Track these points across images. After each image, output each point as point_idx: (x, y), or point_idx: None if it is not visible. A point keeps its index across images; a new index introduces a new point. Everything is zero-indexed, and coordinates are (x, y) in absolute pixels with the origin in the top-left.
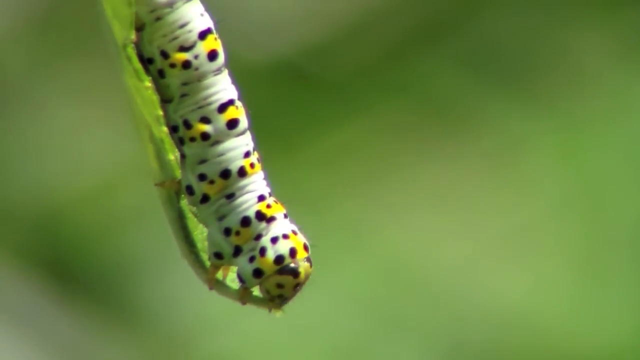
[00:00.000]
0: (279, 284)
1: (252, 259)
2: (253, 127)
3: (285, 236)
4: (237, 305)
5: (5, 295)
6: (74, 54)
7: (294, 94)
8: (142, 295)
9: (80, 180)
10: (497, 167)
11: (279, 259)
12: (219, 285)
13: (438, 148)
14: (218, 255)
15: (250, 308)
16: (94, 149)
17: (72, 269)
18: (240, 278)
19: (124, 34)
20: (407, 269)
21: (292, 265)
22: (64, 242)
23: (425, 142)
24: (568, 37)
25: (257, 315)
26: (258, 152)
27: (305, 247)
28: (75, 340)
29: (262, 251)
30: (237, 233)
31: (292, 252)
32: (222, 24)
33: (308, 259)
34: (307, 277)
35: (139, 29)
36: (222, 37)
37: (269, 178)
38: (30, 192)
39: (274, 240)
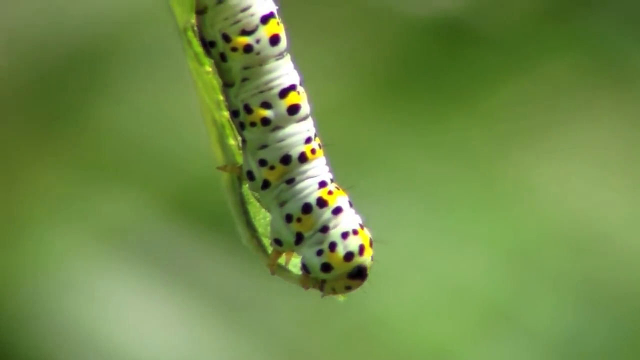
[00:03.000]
0: (347, 286)
1: (320, 252)
2: (413, 82)
3: (355, 232)
4: (382, 264)
5: (150, 239)
6: None
7: (457, 50)
8: None
9: None
10: None
11: (349, 256)
12: (281, 270)
13: (601, 105)
14: (278, 242)
15: (398, 267)
16: None
17: (228, 226)
18: (305, 268)
19: (185, 18)
20: (566, 222)
21: (362, 266)
22: (219, 202)
23: (588, 98)
24: None
25: (400, 273)
26: (320, 138)
27: (371, 243)
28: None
29: (332, 246)
30: (299, 220)
31: (361, 250)
32: None
33: (372, 257)
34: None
35: (201, 12)
36: None
37: (439, 134)
38: (185, 154)
39: (345, 235)
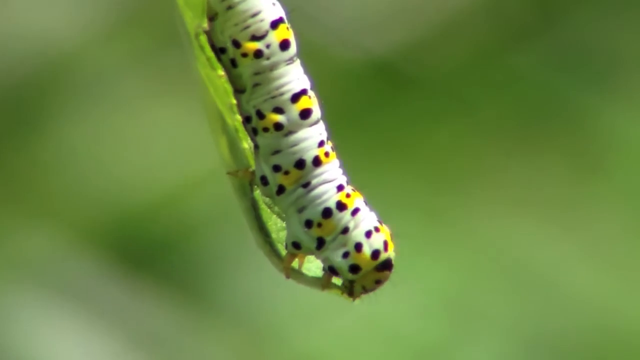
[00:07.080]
0: (377, 280)
1: (346, 255)
2: (346, 126)
3: (376, 229)
4: (317, 304)
5: (84, 286)
6: (159, 54)
7: (391, 93)
8: (221, 291)
9: (162, 180)
10: (590, 166)
11: (375, 254)
12: (295, 274)
13: (536, 148)
14: (296, 245)
15: (332, 307)
16: (176, 149)
17: (155, 263)
18: (333, 271)
19: (196, 23)
20: (502, 266)
21: (388, 259)
22: (146, 239)
23: (518, 140)
24: None
25: (335, 313)
26: (332, 141)
27: (392, 237)
28: (156, 331)
29: (358, 247)
30: (319, 225)
31: (386, 245)
32: (317, 22)
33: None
34: None
35: (211, 18)
36: (314, 33)
37: (373, 177)
38: (112, 190)
39: (368, 234)
